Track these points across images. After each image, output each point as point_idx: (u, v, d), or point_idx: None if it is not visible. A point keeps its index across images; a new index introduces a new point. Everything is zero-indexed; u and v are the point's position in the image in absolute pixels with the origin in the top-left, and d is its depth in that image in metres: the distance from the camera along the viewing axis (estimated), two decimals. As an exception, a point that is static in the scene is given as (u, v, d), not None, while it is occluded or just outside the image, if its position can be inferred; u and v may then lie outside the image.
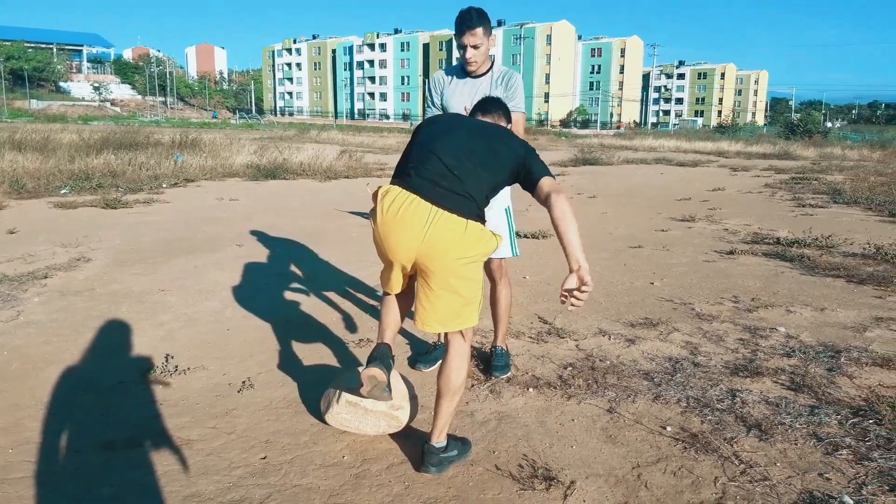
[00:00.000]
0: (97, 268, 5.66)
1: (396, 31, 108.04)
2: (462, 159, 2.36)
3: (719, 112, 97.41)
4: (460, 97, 3.24)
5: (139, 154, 14.45)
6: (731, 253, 6.52)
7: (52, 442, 2.69)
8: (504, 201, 3.25)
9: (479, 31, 3.05)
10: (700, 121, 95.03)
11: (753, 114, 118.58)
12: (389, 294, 2.58)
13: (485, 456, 2.62)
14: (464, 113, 2.99)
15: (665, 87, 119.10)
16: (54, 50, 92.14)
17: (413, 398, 2.75)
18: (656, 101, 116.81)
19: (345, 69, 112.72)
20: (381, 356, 2.45)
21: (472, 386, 3.27)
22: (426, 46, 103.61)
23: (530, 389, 3.22)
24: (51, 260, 5.88)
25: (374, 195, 2.39)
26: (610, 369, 3.47)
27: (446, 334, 2.51)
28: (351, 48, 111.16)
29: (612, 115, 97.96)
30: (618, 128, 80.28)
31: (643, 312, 4.55)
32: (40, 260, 5.88)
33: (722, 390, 3.19)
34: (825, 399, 3.09)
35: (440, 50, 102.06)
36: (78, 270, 5.55)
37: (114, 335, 4.00)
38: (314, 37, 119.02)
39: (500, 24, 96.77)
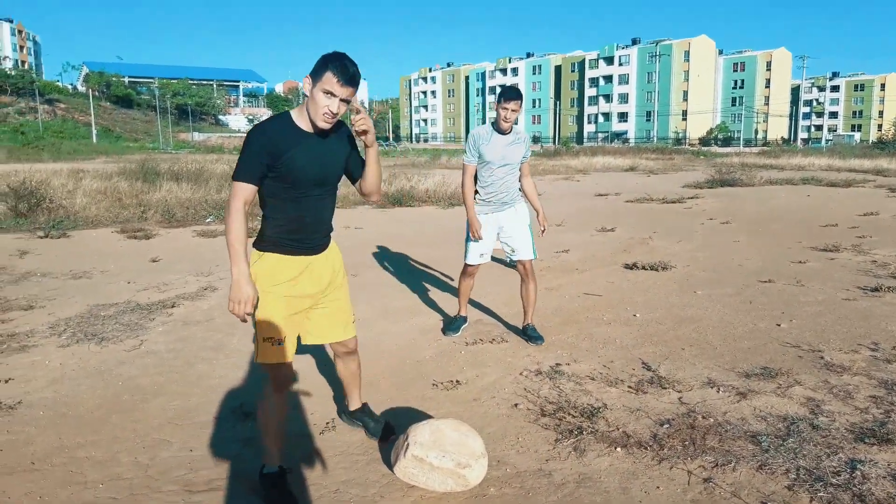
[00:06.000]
0: (220, 297, 5.99)
1: (528, 55, 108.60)
2: None
3: (879, 126, 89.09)
4: (500, 149, 4.40)
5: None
6: (877, 290, 5.82)
7: (140, 480, 2.81)
8: (525, 219, 4.55)
9: (519, 102, 4.29)
10: (857, 136, 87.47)
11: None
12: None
13: (557, 523, 2.44)
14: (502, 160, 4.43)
15: (817, 100, 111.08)
16: (214, 86, 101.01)
17: (482, 456, 2.63)
18: (807, 116, 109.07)
19: (477, 94, 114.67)
20: None
21: (557, 440, 3.09)
22: (558, 69, 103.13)
23: (618, 449, 2.99)
24: (182, 289, 6.31)
25: None
26: (712, 428, 3.15)
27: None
28: (483, 74, 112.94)
29: (756, 132, 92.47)
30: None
31: (762, 360, 4.14)
32: (172, 289, 6.32)
33: (841, 460, 2.80)
34: (973, 479, 2.63)
35: (572, 72, 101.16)
36: (203, 300, 5.91)
37: (221, 368, 4.18)
38: (448, 64, 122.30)
39: (635, 42, 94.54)
